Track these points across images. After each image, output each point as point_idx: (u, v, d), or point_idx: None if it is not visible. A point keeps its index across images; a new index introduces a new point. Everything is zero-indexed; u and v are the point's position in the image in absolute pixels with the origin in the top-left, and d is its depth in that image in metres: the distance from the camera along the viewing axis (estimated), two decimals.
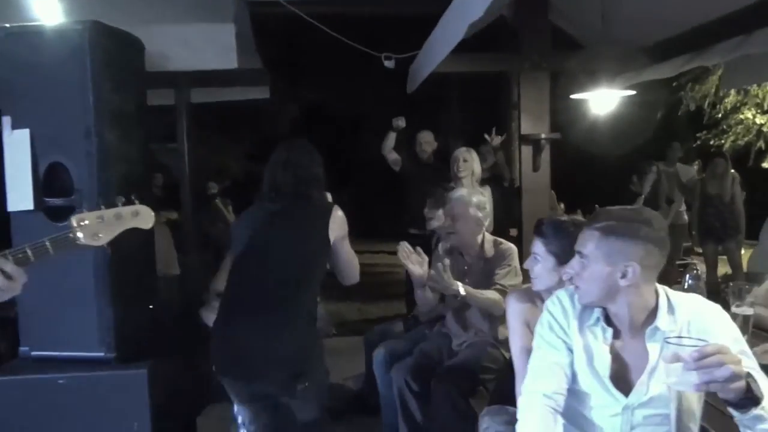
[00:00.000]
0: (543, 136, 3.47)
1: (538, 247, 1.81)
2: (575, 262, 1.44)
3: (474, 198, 2.64)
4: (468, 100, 10.27)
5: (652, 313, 1.40)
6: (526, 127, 3.54)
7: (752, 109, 8.75)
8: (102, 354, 2.08)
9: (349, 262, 2.10)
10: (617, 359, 1.43)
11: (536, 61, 3.45)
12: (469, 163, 3.83)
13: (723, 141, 9.12)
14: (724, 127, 9.17)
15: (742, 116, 8.88)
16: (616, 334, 1.45)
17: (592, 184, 7.34)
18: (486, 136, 4.10)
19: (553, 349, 1.49)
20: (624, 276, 1.36)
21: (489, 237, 2.69)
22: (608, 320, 1.45)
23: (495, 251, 2.64)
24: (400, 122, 4.37)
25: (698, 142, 9.39)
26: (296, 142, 2.16)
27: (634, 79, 3.28)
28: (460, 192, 2.72)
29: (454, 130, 9.99)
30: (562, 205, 4.81)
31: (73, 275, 2.06)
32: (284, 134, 10.38)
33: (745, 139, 8.99)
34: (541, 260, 1.80)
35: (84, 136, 2.04)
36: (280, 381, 1.91)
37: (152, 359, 2.15)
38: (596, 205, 7.29)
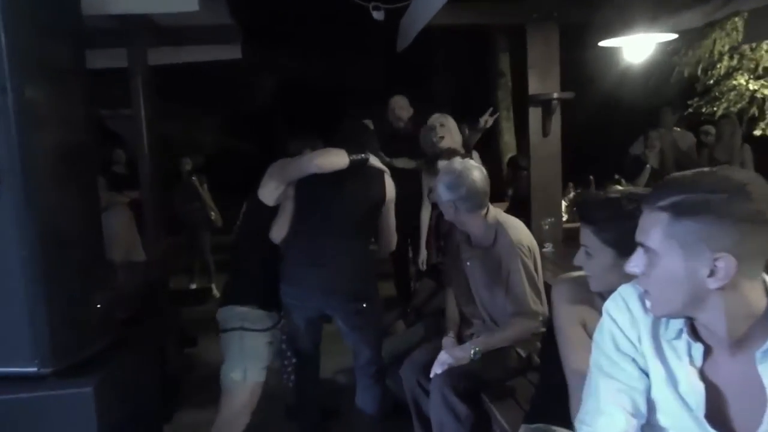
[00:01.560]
0: (555, 95, 3.06)
1: (588, 236, 1.39)
2: (638, 257, 1.02)
3: (475, 172, 2.23)
4: (455, 67, 9.84)
5: (762, 323, 0.98)
6: (535, 86, 3.13)
7: (745, 74, 8.47)
8: (35, 369, 1.64)
9: (392, 226, 2.50)
10: (712, 388, 1.02)
11: (546, 12, 3.03)
12: (447, 127, 3.38)
13: (715, 108, 8.83)
14: (716, 93, 8.89)
15: (735, 82, 8.59)
16: (707, 352, 1.03)
17: (585, 153, 7.00)
18: (480, 120, 3.61)
19: (621, 371, 1.08)
20: (713, 274, 0.94)
21: (492, 219, 2.28)
22: (694, 332, 1.04)
23: (495, 239, 2.24)
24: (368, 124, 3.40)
25: (690, 110, 9.10)
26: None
27: (667, 25, 2.88)
28: (455, 164, 2.29)
29: (442, 100, 9.57)
30: (570, 184, 4.40)
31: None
32: (262, 105, 9.80)
33: (738, 105, 8.70)
34: (595, 254, 1.38)
35: None
36: (344, 295, 2.34)
37: (102, 371, 1.74)
38: (590, 177, 6.93)
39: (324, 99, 8.95)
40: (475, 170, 2.22)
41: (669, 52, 8.18)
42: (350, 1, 3.00)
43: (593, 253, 1.38)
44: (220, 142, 9.83)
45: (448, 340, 2.31)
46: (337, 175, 2.31)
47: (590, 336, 1.25)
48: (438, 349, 2.27)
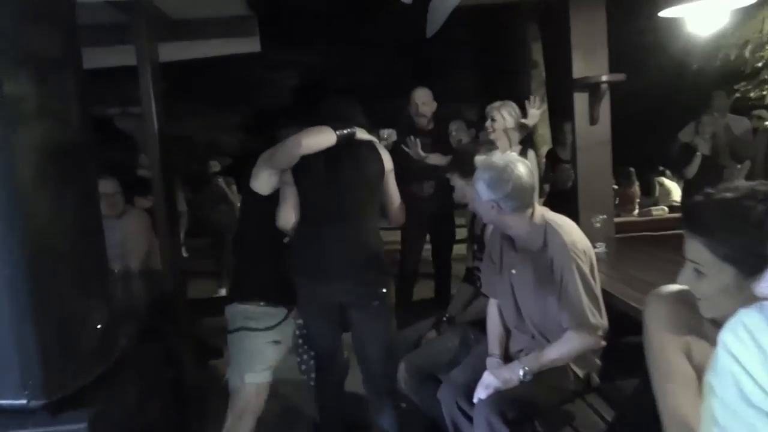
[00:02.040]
0: (604, 78, 2.74)
1: (699, 251, 1.06)
2: None
3: (520, 166, 1.94)
4: (482, 60, 9.48)
5: None
6: (580, 68, 2.81)
7: None
8: (24, 402, 1.44)
9: (397, 194, 2.42)
10: None
11: None
12: (500, 122, 3.03)
13: (765, 92, 8.30)
14: (766, 76, 8.34)
15: None
16: None
17: (623, 140, 6.56)
18: (526, 103, 3.23)
19: (749, 430, 0.80)
20: None
21: (539, 218, 1.98)
22: None
23: (546, 242, 1.95)
24: (391, 135, 2.85)
25: (737, 94, 8.57)
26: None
27: None
28: (495, 159, 1.98)
29: (467, 94, 9.23)
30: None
31: None
32: (283, 104, 9.59)
33: None
34: (709, 273, 1.05)
35: None
36: (358, 283, 2.22)
37: (100, 403, 1.53)
38: (630, 169, 6.50)
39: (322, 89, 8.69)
40: (520, 164, 1.93)
41: (712, 33, 7.72)
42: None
43: (706, 272, 1.06)
44: (246, 142, 9.69)
45: (492, 360, 2.03)
46: (330, 155, 2.21)
47: (696, 370, 0.96)
48: (480, 367, 1.99)
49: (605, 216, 2.71)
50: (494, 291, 2.15)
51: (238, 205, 5.62)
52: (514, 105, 3.05)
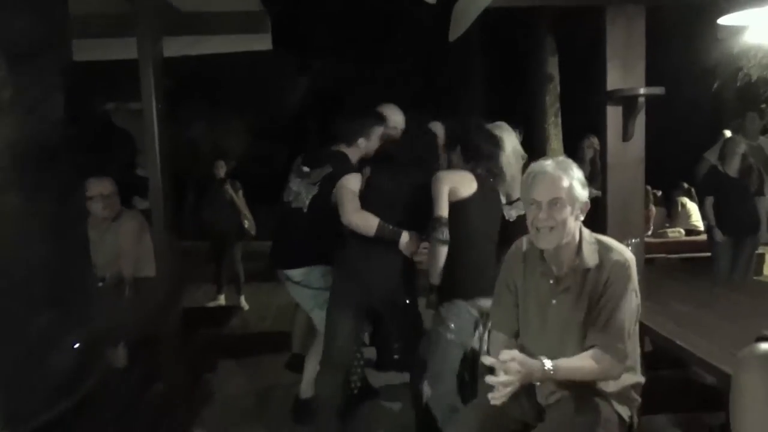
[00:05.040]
0: (641, 91, 2.54)
1: None
2: None
3: (574, 169, 1.73)
4: (495, 74, 9.30)
5: None
6: (615, 80, 2.61)
7: None
8: None
9: None
10: None
11: None
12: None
13: None
14: None
15: None
16: None
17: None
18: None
19: None
20: None
21: (587, 233, 1.78)
22: None
23: (601, 259, 1.72)
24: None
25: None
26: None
27: None
28: (548, 162, 1.74)
29: (481, 109, 9.03)
30: (656, 192, 3.83)
31: None
32: (295, 109, 9.40)
33: None
34: None
35: None
36: (389, 292, 2.48)
37: None
38: (647, 187, 6.29)
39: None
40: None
41: (734, 54, 7.53)
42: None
43: None
44: (252, 146, 9.48)
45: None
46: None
47: None
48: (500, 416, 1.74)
49: (637, 240, 2.49)
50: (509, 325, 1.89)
51: (244, 211, 5.49)
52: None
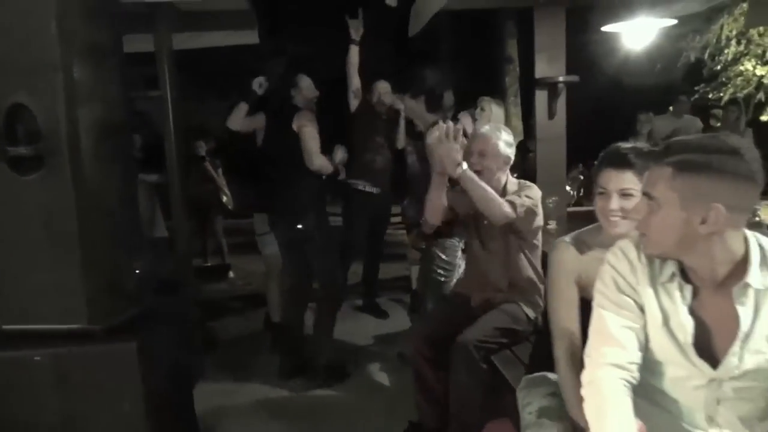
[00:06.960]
0: (560, 79, 3.18)
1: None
2: (641, 204, 1.20)
3: (503, 133, 2.39)
4: (460, 54, 9.86)
5: (740, 267, 1.16)
6: (542, 70, 3.25)
7: (752, 60, 8.50)
8: (84, 326, 1.81)
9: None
10: (699, 323, 1.20)
11: None
12: (488, 113, 3.60)
13: (722, 94, 8.88)
14: (723, 79, 8.93)
15: (742, 68, 8.63)
16: (696, 293, 1.21)
17: (593, 136, 7.04)
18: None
19: (622, 311, 1.25)
20: (704, 222, 1.11)
21: (512, 178, 2.45)
22: (685, 275, 1.21)
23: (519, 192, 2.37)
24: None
25: (696, 95, 9.15)
26: None
27: (668, 10, 2.98)
28: (487, 126, 2.48)
29: (446, 86, 9.60)
30: (581, 166, 4.51)
31: (53, 236, 1.76)
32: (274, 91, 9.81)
33: (745, 91, 8.75)
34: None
35: (48, 72, 1.71)
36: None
37: (144, 331, 1.90)
38: (580, 164, 6.94)
39: None
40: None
41: (675, 36, 8.25)
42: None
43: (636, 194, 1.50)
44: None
45: None
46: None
47: (581, 287, 1.42)
48: (445, 320, 2.41)
49: (557, 198, 3.16)
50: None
51: (223, 186, 5.98)
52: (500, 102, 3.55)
